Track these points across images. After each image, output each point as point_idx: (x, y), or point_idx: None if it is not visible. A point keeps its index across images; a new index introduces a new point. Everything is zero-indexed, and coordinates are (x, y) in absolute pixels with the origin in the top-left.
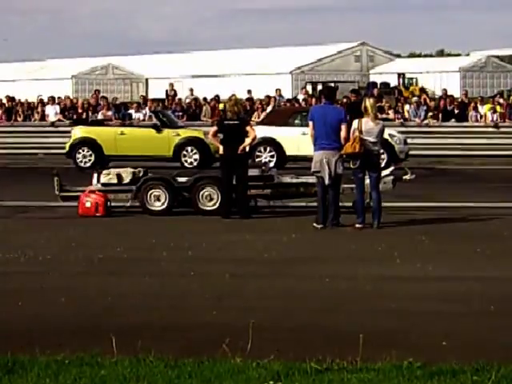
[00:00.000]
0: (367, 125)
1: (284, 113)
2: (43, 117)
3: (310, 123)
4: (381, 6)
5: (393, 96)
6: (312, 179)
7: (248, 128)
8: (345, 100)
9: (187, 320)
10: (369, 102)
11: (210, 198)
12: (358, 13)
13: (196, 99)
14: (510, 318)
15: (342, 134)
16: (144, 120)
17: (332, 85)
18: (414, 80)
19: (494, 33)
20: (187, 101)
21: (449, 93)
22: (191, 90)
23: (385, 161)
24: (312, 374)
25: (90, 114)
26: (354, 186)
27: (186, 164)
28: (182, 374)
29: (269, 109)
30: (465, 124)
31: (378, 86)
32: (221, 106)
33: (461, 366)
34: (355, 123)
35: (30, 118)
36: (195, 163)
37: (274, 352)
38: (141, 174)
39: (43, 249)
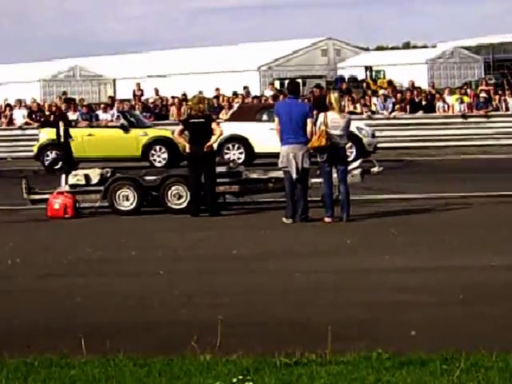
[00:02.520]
0: (333, 118)
1: (251, 109)
2: (11, 121)
3: (276, 119)
4: (346, 1)
5: (361, 89)
6: (280, 174)
7: (214, 125)
8: (309, 95)
9: (156, 318)
10: (333, 96)
11: (178, 197)
12: (324, 8)
13: (161, 99)
14: (479, 307)
15: (308, 128)
16: (112, 121)
17: (300, 80)
18: (382, 73)
19: (460, 24)
20: (150, 101)
21: (416, 84)
22: (156, 90)
23: (353, 154)
24: (281, 368)
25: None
26: (321, 179)
27: (154, 163)
28: (151, 372)
29: (236, 106)
30: (432, 115)
31: (346, 80)
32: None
33: (430, 355)
34: (321, 117)
35: None
36: (164, 162)
37: (243, 348)
38: (109, 175)
39: (12, 252)
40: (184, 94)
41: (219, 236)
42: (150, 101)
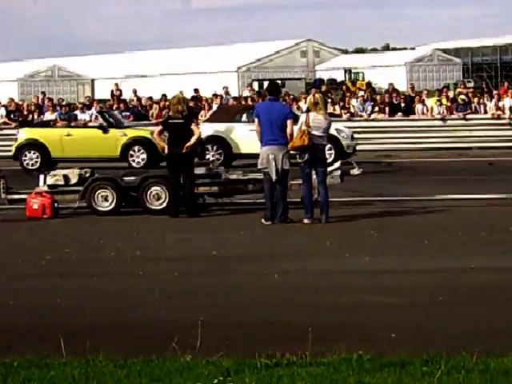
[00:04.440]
0: (315, 119)
1: (230, 110)
2: None
3: (256, 120)
4: (326, 3)
5: (340, 91)
6: (260, 176)
7: (193, 126)
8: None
9: (136, 319)
10: (318, 97)
11: (157, 197)
12: (304, 10)
13: (139, 99)
14: (459, 309)
15: (288, 129)
16: (90, 121)
17: (279, 82)
18: (361, 75)
19: (439, 26)
20: (132, 102)
21: (395, 87)
22: (134, 90)
23: (332, 156)
24: (262, 369)
25: (36, 116)
26: (301, 181)
27: (133, 164)
28: (131, 373)
29: (215, 107)
30: (411, 117)
31: (325, 81)
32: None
33: (410, 357)
34: (303, 117)
35: None
36: (142, 163)
37: (223, 349)
38: (87, 175)
39: None
40: (164, 95)
41: (199, 237)
42: (132, 102)
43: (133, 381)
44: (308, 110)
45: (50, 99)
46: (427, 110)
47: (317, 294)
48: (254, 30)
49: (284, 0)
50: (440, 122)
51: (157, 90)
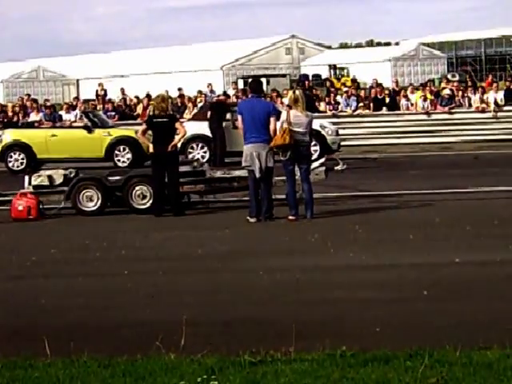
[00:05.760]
0: (296, 116)
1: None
2: None
3: (239, 117)
4: None
5: (324, 88)
6: (244, 173)
7: (177, 125)
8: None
9: (121, 318)
10: (299, 93)
11: (142, 197)
12: (288, 6)
13: (125, 99)
14: (443, 303)
15: (271, 126)
16: (75, 121)
17: (264, 79)
18: (346, 71)
19: (423, 21)
20: (117, 100)
21: (380, 82)
22: (122, 89)
23: (317, 152)
24: (246, 366)
25: (21, 117)
26: (285, 178)
27: (118, 163)
28: (115, 372)
29: (200, 105)
30: (396, 112)
31: (310, 78)
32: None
33: (394, 352)
34: (284, 115)
35: None
36: (127, 162)
37: (207, 347)
38: (72, 175)
39: None
40: (148, 95)
41: (183, 235)
42: (117, 101)
43: (117, 380)
44: (289, 107)
45: (34, 100)
46: (412, 105)
47: (301, 290)
48: (238, 27)
49: None
50: (425, 117)
51: (141, 89)
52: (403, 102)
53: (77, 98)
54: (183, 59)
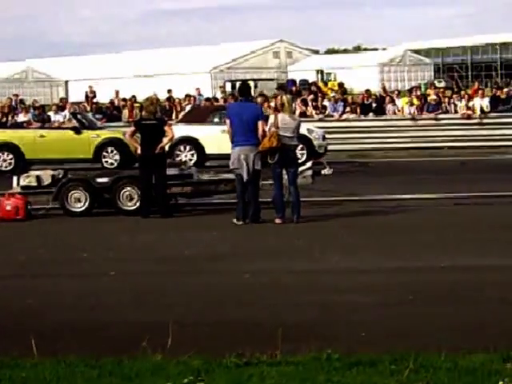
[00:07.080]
0: (284, 120)
1: (203, 111)
2: None
3: (227, 121)
4: (298, 3)
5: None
6: (231, 176)
7: (166, 127)
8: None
9: (107, 319)
10: (286, 98)
11: (130, 198)
12: (276, 10)
13: (112, 101)
14: (428, 308)
15: (260, 130)
16: (64, 122)
17: (252, 83)
18: (333, 76)
19: (411, 27)
20: (115, 101)
21: (367, 87)
22: (117, 92)
23: (304, 156)
24: (232, 368)
25: (10, 118)
26: (272, 181)
27: (106, 165)
28: (102, 373)
29: (188, 108)
30: (383, 117)
31: (298, 82)
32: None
33: (379, 355)
34: (271, 118)
35: None
36: (116, 164)
37: (194, 348)
38: (60, 176)
39: None
40: (133, 96)
41: (171, 237)
42: (114, 102)
43: (104, 381)
44: (277, 111)
45: (22, 101)
46: (398, 110)
47: (287, 294)
48: (226, 31)
49: (256, 0)
50: (411, 122)
51: (130, 91)
52: (390, 107)
53: (64, 99)
54: (171, 62)
